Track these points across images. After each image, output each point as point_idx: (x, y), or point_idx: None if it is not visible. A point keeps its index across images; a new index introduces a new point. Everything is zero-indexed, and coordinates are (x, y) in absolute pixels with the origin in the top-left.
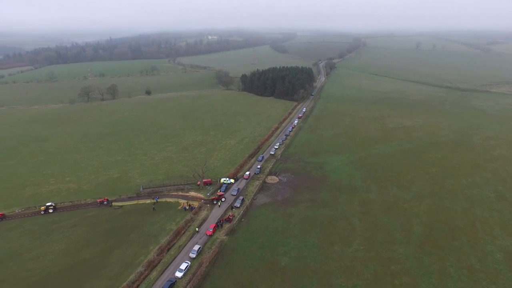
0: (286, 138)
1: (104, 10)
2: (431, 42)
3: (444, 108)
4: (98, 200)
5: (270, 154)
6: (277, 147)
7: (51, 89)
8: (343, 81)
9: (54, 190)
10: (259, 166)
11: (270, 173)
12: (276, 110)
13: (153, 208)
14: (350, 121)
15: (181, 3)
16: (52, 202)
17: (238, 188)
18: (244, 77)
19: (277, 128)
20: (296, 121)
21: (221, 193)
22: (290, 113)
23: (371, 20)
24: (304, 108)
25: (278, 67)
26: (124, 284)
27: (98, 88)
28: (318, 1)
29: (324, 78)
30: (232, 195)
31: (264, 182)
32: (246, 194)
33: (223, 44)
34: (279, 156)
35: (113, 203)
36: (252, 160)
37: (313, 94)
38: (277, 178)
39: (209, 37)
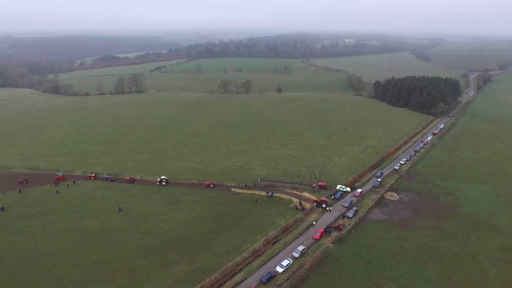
0: (414, 155)
1: (251, 10)
2: None
3: None
4: (206, 183)
5: (394, 169)
6: (403, 162)
7: (198, 79)
8: (499, 98)
9: (187, 167)
10: (379, 180)
11: (390, 189)
12: (408, 122)
13: (256, 200)
14: (501, 147)
15: (322, 3)
16: (165, 176)
17: (351, 201)
18: (377, 83)
19: (406, 142)
20: (429, 138)
21: (325, 198)
22: (423, 128)
23: None
24: (442, 125)
25: (417, 76)
26: (229, 264)
27: (235, 82)
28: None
29: (473, 93)
30: (343, 206)
31: (382, 197)
32: (361, 206)
33: (360, 48)
34: (403, 173)
35: (232, 189)
36: (373, 171)
37: (455, 109)
38: (398, 196)
39: (346, 40)
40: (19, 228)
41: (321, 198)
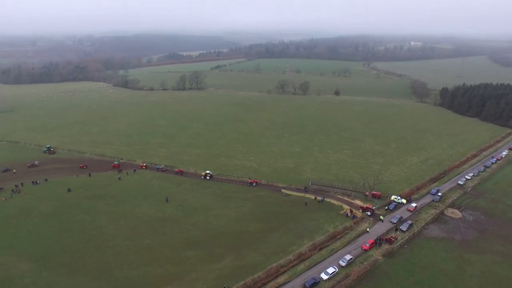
0: (484, 170)
1: (312, 11)
2: None
3: None
4: (249, 181)
5: (458, 184)
6: (469, 177)
7: (256, 78)
8: None
9: (239, 165)
10: (439, 194)
11: (452, 205)
12: (479, 134)
13: (306, 203)
14: None
15: (388, 3)
16: (209, 171)
17: (401, 217)
18: (444, 90)
19: (474, 156)
20: (504, 153)
21: (370, 206)
22: (498, 141)
23: None
24: None
25: (494, 83)
26: (274, 264)
27: (293, 82)
28: None
29: None
30: (391, 222)
31: (441, 213)
32: (417, 221)
33: (427, 51)
34: (469, 189)
35: (283, 190)
36: (433, 184)
37: None
38: (460, 213)
39: (412, 43)
40: (87, 208)
41: (366, 205)
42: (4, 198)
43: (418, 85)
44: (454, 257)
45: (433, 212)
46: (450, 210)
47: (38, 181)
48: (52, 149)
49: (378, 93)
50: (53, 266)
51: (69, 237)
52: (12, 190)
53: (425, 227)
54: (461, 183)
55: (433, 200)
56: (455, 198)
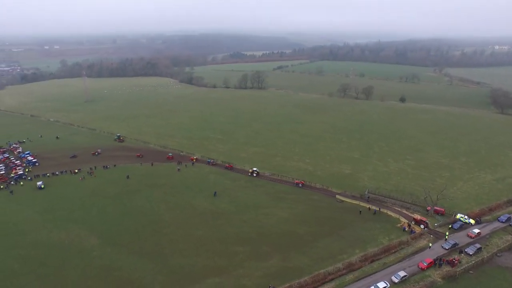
0: None
1: (379, 12)
2: None
3: None
4: (296, 181)
5: None
6: None
7: (317, 81)
8: None
9: (294, 166)
10: None
11: None
12: None
13: (360, 211)
14: None
15: (468, 2)
16: (256, 168)
17: (456, 243)
18: None
19: None
20: None
21: (425, 219)
22: None
23: None
24: None
25: None
26: (321, 271)
27: (356, 86)
28: None
29: None
30: (443, 247)
31: None
32: (487, 245)
33: None
34: None
35: (337, 196)
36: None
37: None
38: None
39: (496, 47)
40: (147, 195)
41: (421, 218)
42: (81, 179)
43: (500, 94)
44: None
45: (509, 238)
46: None
47: (108, 166)
48: (121, 138)
49: (449, 101)
50: (115, 244)
51: (130, 220)
52: (88, 172)
53: (498, 254)
54: None
55: (510, 225)
56: None
